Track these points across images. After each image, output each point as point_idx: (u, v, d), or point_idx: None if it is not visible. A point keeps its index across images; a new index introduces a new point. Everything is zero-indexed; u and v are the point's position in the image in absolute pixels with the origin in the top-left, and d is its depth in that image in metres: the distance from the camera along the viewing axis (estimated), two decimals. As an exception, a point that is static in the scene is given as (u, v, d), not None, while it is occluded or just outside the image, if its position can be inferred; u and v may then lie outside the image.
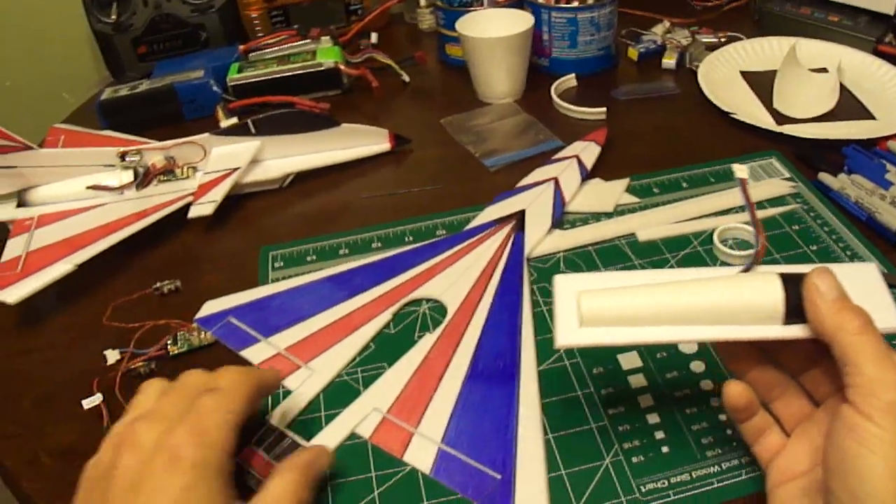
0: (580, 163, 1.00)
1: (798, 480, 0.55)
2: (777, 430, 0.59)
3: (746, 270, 0.58)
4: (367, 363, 0.76)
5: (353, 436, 0.69)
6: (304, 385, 0.74)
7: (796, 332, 0.54)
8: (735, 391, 0.58)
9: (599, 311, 0.56)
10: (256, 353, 0.78)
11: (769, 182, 0.98)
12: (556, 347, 0.57)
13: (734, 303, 0.54)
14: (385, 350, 0.77)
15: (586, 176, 0.98)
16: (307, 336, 0.79)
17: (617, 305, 0.56)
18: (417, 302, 0.83)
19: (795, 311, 0.54)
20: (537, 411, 0.69)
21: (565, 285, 0.59)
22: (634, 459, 0.65)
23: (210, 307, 0.85)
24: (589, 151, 1.02)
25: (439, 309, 0.81)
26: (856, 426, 0.48)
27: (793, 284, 0.54)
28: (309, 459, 0.62)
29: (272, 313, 0.83)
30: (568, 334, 0.56)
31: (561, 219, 0.92)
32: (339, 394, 0.73)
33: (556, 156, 1.03)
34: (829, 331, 0.51)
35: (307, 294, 0.85)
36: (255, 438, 0.67)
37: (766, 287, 0.54)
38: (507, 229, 0.90)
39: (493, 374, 0.72)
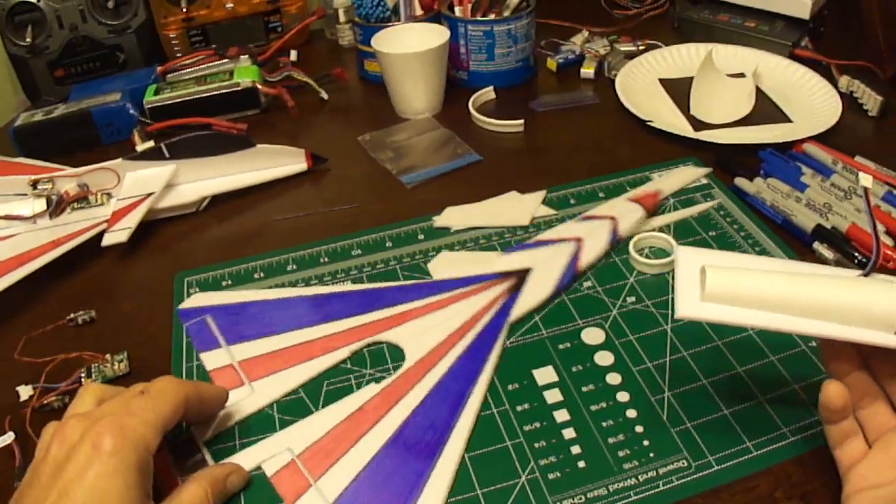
0: (615, 227, 0.91)
1: (876, 490, 0.55)
2: (861, 438, 0.59)
3: (866, 275, 0.58)
4: (306, 396, 0.75)
5: (257, 468, 0.68)
6: (240, 404, 0.73)
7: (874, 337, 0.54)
8: (834, 391, 0.57)
9: (724, 289, 0.56)
10: (212, 359, 0.78)
11: (681, 170, 1.00)
12: (677, 317, 0.56)
13: (853, 304, 0.55)
14: (327, 388, 0.76)
15: (615, 242, 0.90)
16: (265, 353, 0.78)
17: (742, 286, 0.56)
18: (379, 346, 0.80)
19: None
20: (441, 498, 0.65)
21: (688, 257, 0.60)
22: (551, 476, 0.65)
23: (195, 300, 0.86)
24: (631, 216, 0.92)
25: (399, 357, 0.78)
26: None
27: None
28: (224, 474, 0.64)
29: (245, 320, 0.82)
30: (690, 307, 0.56)
31: (569, 286, 0.85)
32: (264, 422, 0.72)
33: (592, 212, 0.95)
34: None
35: (285, 308, 0.84)
36: (170, 444, 0.66)
37: (887, 294, 0.54)
38: (502, 288, 0.84)
39: (414, 445, 0.68)
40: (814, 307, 0.55)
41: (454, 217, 0.96)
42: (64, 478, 0.54)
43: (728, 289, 0.56)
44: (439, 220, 0.96)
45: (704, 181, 0.99)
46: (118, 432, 0.56)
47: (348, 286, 0.86)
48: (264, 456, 0.69)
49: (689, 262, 0.59)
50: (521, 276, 0.85)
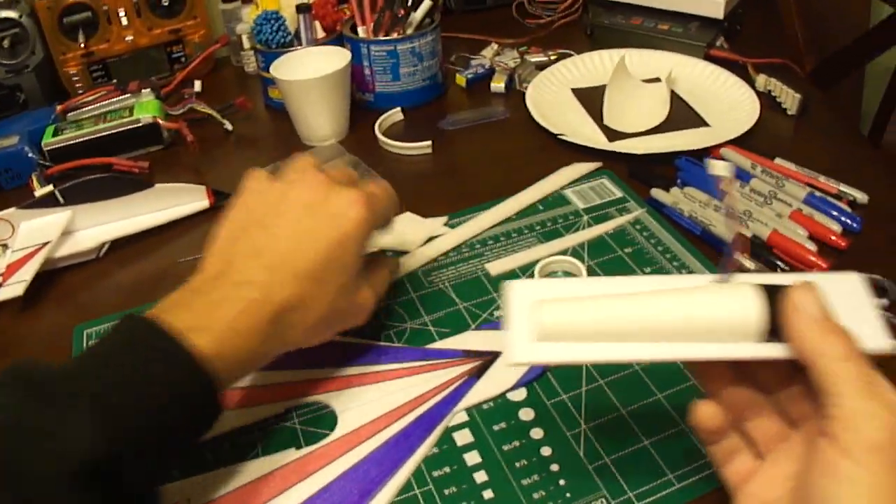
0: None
1: None
2: (748, 453, 0.55)
3: (721, 280, 0.53)
4: (227, 449, 0.70)
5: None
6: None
7: (774, 351, 0.50)
8: (706, 413, 0.54)
9: (559, 326, 0.51)
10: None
11: (572, 167, 1.01)
12: (508, 364, 0.53)
13: (708, 319, 0.50)
14: (250, 443, 0.71)
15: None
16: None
17: (578, 319, 0.51)
18: (318, 406, 0.74)
19: (774, 328, 0.50)
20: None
21: (521, 293, 0.54)
22: (462, 524, 0.62)
23: None
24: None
25: (332, 424, 0.72)
26: (835, 465, 0.44)
27: (772, 299, 0.50)
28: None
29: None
30: (521, 352, 0.52)
31: (537, 379, 0.74)
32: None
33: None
34: (809, 355, 0.47)
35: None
36: None
37: (743, 302, 0.50)
38: (463, 369, 0.75)
39: None
40: (670, 328, 0.51)
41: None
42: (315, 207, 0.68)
43: (567, 325, 0.51)
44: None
45: (619, 194, 0.97)
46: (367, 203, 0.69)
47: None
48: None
49: (522, 297, 0.54)
50: (486, 359, 0.76)
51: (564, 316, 0.51)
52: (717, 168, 0.56)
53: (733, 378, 0.55)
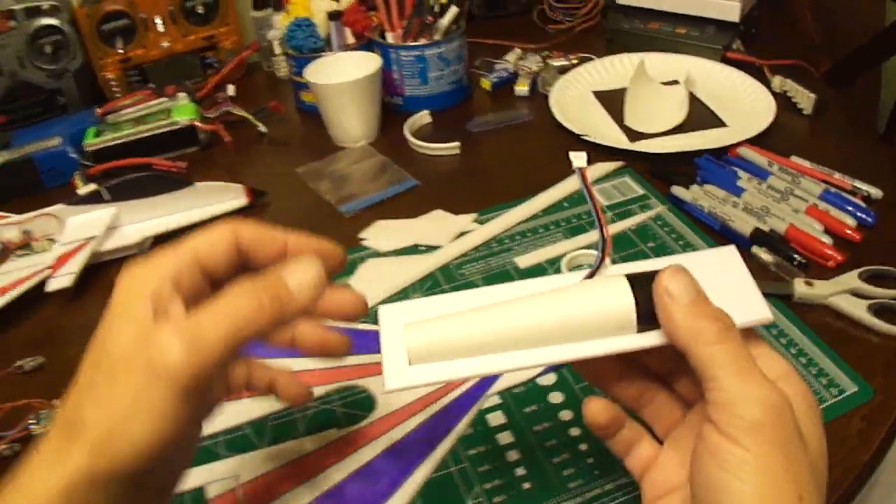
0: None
1: (674, 494, 0.50)
2: (648, 440, 0.54)
3: (591, 275, 0.51)
4: (269, 430, 0.74)
5: (199, 489, 0.69)
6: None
7: (651, 339, 0.48)
8: (595, 409, 0.53)
9: (429, 346, 0.49)
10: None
11: (596, 166, 1.05)
12: (385, 392, 0.49)
13: (580, 316, 0.48)
14: (290, 424, 0.75)
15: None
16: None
17: (447, 336, 0.49)
18: (356, 390, 0.78)
19: (648, 316, 0.48)
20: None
21: (391, 318, 0.52)
22: (496, 499, 0.66)
23: None
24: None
25: (370, 407, 0.75)
26: (718, 449, 0.43)
27: (643, 287, 0.48)
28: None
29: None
30: (397, 376, 0.49)
31: (564, 366, 0.77)
32: (205, 453, 0.72)
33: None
34: (683, 340, 0.46)
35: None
36: None
37: (613, 294, 0.48)
38: None
39: (354, 499, 0.67)
40: (543, 331, 0.49)
41: (381, 231, 0.99)
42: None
43: (434, 344, 0.49)
44: (366, 233, 0.99)
45: (641, 191, 1.01)
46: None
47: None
48: (210, 478, 0.69)
49: (393, 322, 0.51)
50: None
51: (430, 336, 0.50)
52: (577, 159, 0.54)
53: (620, 371, 0.55)
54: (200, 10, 1.40)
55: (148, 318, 0.45)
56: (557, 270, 0.89)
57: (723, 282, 0.49)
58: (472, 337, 0.49)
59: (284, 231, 0.53)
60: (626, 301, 0.48)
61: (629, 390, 0.55)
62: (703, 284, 0.47)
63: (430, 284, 0.90)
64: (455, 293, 0.52)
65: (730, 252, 0.52)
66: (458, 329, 0.49)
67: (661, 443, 0.54)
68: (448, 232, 0.97)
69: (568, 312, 0.49)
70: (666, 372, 0.54)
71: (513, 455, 0.69)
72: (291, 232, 0.53)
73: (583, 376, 0.59)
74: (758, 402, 0.43)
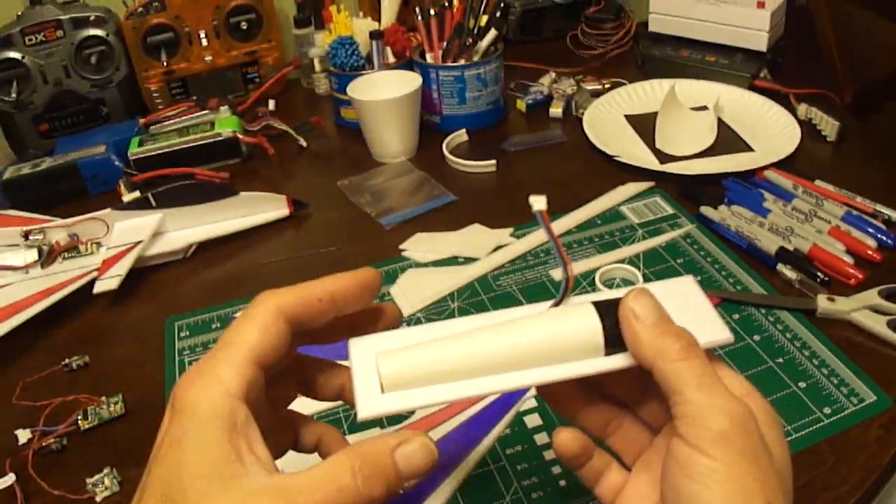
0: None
1: None
2: (617, 467, 0.54)
3: (558, 304, 0.52)
4: None
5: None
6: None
7: (618, 362, 0.49)
8: (565, 440, 0.53)
9: (401, 373, 0.49)
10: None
11: (627, 186, 1.07)
12: (359, 420, 0.48)
13: (548, 341, 0.49)
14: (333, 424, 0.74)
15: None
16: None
17: (419, 363, 0.49)
18: None
19: (615, 339, 0.49)
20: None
21: (362, 349, 0.51)
22: (534, 495, 0.68)
23: None
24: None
25: None
26: (687, 461, 0.44)
27: (609, 312, 0.49)
28: (389, 448, 0.46)
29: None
30: (370, 404, 0.48)
31: None
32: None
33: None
34: (648, 359, 0.47)
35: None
36: None
37: (581, 319, 0.49)
38: None
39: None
40: (512, 357, 0.49)
41: (421, 243, 1.02)
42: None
43: (407, 371, 0.49)
44: (406, 245, 1.02)
45: (671, 210, 1.04)
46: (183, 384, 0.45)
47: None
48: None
49: (364, 353, 0.51)
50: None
51: (401, 364, 0.49)
52: (536, 202, 0.52)
53: (587, 399, 0.55)
54: (244, 25, 1.44)
55: (227, 457, 0.42)
56: (591, 283, 0.92)
57: (684, 307, 0.50)
58: (443, 363, 0.49)
59: (320, 281, 0.51)
60: (593, 325, 0.49)
61: (596, 418, 0.55)
62: (667, 308, 0.49)
63: (469, 294, 0.93)
64: (427, 324, 0.53)
65: (688, 281, 0.53)
66: (429, 356, 0.49)
67: (629, 470, 0.54)
68: (486, 245, 1.00)
69: (538, 337, 0.49)
70: (631, 400, 0.55)
71: (549, 454, 0.72)
72: (325, 279, 0.51)
73: (549, 405, 0.58)
74: (723, 413, 0.44)
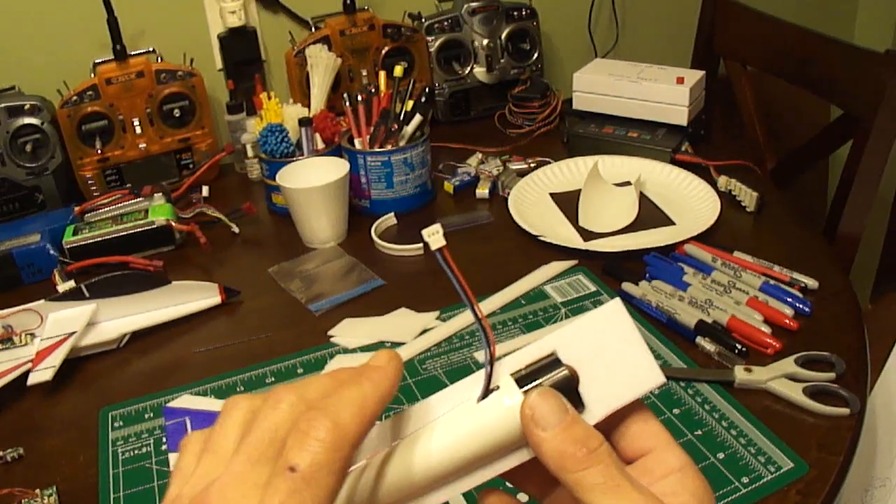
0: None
1: None
2: None
3: (485, 396, 0.47)
4: None
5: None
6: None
7: (523, 456, 0.46)
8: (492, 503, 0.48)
9: None
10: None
11: (551, 265, 1.10)
12: None
13: (475, 453, 0.45)
14: None
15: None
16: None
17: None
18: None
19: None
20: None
21: None
22: None
23: (183, 401, 0.92)
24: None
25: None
26: None
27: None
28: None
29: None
30: None
31: None
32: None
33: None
34: (552, 468, 0.43)
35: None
36: None
37: (503, 413, 0.45)
38: None
39: None
40: (439, 467, 0.45)
41: (349, 329, 1.04)
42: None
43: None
44: (335, 331, 1.04)
45: (593, 288, 1.07)
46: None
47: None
48: None
49: None
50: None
51: None
52: (431, 238, 0.46)
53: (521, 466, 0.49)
54: (177, 113, 1.46)
55: None
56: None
57: (609, 348, 0.45)
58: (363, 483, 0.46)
59: (374, 393, 0.47)
60: (509, 424, 0.45)
61: (531, 480, 0.50)
62: (589, 358, 0.45)
63: (396, 379, 0.94)
64: None
65: (615, 309, 0.46)
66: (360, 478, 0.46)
67: None
68: (412, 329, 1.02)
69: (464, 455, 0.45)
70: (541, 493, 0.51)
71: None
72: (369, 386, 0.47)
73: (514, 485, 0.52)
74: None
